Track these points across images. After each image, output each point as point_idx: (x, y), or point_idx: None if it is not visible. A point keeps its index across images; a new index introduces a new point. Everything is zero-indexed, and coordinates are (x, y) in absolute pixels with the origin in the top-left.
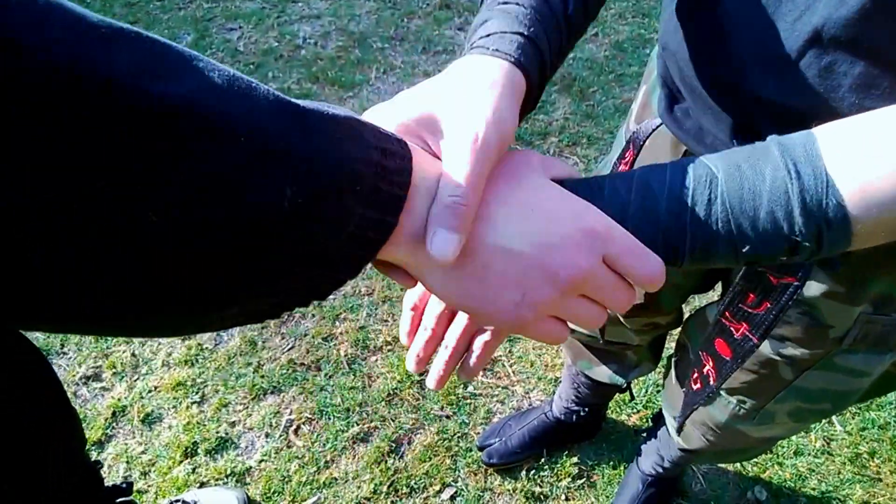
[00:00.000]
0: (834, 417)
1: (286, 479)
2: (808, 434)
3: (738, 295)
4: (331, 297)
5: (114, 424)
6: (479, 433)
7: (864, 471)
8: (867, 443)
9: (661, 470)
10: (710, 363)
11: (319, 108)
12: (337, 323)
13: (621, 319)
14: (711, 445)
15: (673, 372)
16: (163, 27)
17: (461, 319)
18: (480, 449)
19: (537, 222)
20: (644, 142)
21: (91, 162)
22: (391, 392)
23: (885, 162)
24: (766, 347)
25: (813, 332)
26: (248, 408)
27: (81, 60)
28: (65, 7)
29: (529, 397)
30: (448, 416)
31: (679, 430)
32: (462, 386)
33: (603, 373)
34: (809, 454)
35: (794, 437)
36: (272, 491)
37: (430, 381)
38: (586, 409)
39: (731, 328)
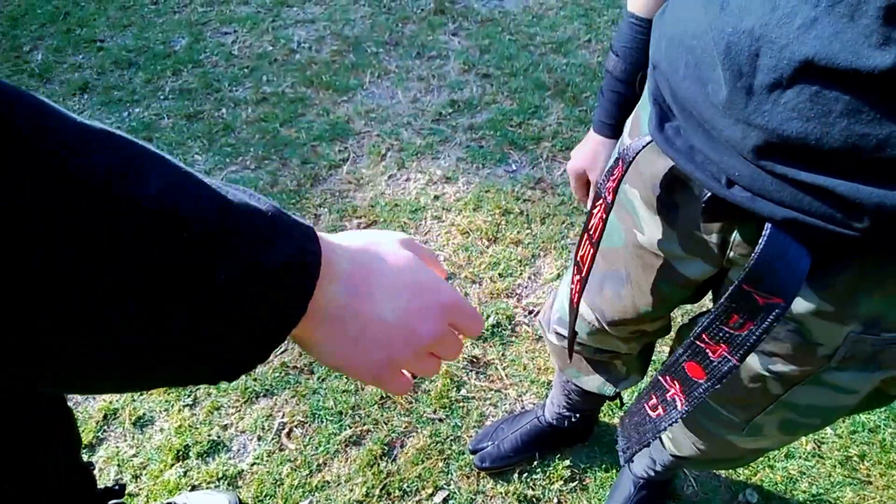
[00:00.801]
0: None
1: (278, 483)
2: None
3: (721, 316)
4: None
5: (105, 427)
6: (471, 436)
7: (855, 473)
8: (857, 446)
9: (652, 473)
10: (677, 387)
11: (252, 206)
12: None
13: (607, 329)
14: (702, 454)
15: None
16: (157, 30)
17: None
18: (473, 452)
19: (406, 298)
20: (633, 159)
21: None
22: (384, 395)
23: None
24: (755, 362)
25: (801, 349)
26: (240, 411)
27: (66, 161)
28: (57, 111)
29: (522, 400)
30: (441, 420)
31: (629, 461)
32: (455, 389)
33: (592, 382)
34: (800, 457)
35: None
36: (264, 494)
37: None
38: (577, 415)
39: (707, 350)
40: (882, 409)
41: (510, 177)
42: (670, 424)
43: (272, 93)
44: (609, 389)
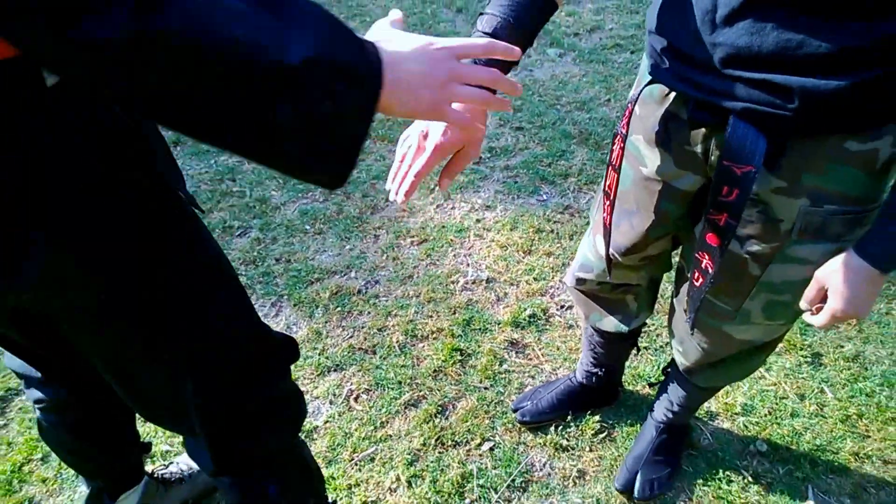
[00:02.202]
0: (826, 387)
1: (348, 435)
2: (803, 401)
3: (715, 190)
4: (382, 297)
5: None
6: (513, 400)
7: (854, 429)
8: (856, 407)
9: (671, 415)
10: (707, 257)
11: (326, 16)
12: (389, 318)
13: (620, 260)
14: (705, 354)
15: (674, 294)
16: None
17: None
18: (514, 411)
19: (420, 56)
20: (637, 98)
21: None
22: (437, 369)
23: None
24: (736, 248)
25: (768, 227)
26: (314, 381)
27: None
28: None
29: (556, 373)
30: (486, 388)
31: (693, 327)
32: (498, 364)
33: (610, 323)
34: (804, 416)
35: (789, 402)
36: (336, 444)
37: (397, 195)
38: (603, 370)
39: (716, 219)
40: (877, 378)
41: (541, 204)
42: (710, 285)
43: None
44: (624, 327)
